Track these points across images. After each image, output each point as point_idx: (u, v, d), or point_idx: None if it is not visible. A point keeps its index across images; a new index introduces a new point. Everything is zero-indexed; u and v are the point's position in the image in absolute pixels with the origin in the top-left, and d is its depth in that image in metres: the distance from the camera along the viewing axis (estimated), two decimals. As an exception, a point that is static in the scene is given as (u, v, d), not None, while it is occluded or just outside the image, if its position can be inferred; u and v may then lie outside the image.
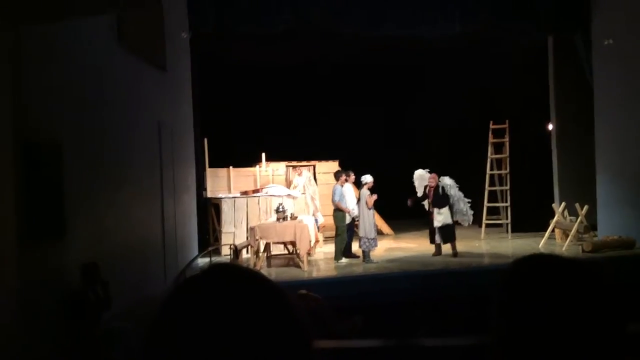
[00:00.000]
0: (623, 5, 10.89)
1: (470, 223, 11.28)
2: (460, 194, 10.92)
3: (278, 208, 10.40)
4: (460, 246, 10.87)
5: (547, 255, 1.06)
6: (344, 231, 10.41)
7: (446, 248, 10.57)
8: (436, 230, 10.50)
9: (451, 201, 10.67)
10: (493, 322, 1.02)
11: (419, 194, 11.01)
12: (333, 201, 10.43)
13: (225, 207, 11.79)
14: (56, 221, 5.44)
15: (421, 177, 11.12)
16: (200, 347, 0.75)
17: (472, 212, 11.02)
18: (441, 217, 10.45)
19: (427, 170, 11.07)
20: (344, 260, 10.31)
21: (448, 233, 10.53)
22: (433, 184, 10.61)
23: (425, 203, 10.85)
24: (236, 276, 0.83)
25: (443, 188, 10.59)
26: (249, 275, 0.84)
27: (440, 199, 10.49)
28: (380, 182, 10.68)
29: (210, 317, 0.77)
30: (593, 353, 0.94)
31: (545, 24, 11.98)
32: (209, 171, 12.68)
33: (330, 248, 10.93)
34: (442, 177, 10.89)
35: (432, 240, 10.70)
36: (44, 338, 5.11)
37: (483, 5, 11.49)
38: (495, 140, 13.28)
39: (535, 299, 0.97)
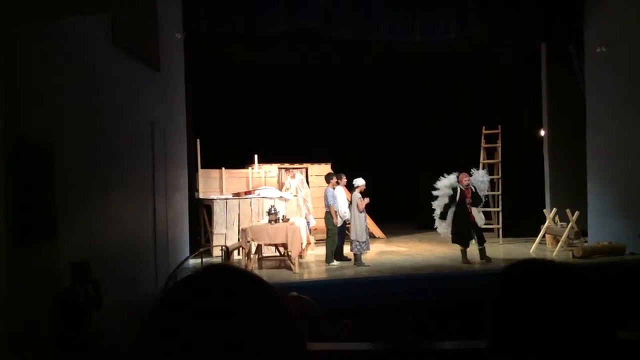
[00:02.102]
0: (616, 13, 10.96)
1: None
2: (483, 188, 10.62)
3: (270, 210, 10.39)
4: (452, 250, 10.89)
5: (540, 260, 1.06)
6: (335, 234, 10.41)
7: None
8: (473, 231, 10.21)
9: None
10: (486, 326, 1.02)
11: (442, 200, 10.55)
12: (327, 204, 10.41)
13: (217, 209, 11.77)
14: (47, 221, 5.41)
15: (451, 184, 10.47)
16: (193, 347, 0.75)
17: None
18: (480, 215, 10.35)
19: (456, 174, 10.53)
20: (335, 262, 10.31)
21: (482, 234, 10.37)
22: (467, 183, 10.24)
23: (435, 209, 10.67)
24: (231, 277, 0.83)
25: (474, 186, 10.38)
26: (244, 276, 0.84)
27: (476, 196, 10.28)
28: (371, 186, 10.68)
29: (204, 317, 0.77)
30: (585, 358, 0.94)
31: (538, 32, 12.05)
32: (201, 172, 12.66)
33: (322, 251, 10.92)
34: (472, 172, 10.68)
35: (466, 244, 10.27)
36: (34, 338, 5.08)
37: (478, 14, 11.53)
38: (487, 145, 13.34)
39: (529, 303, 0.98)
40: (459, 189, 10.22)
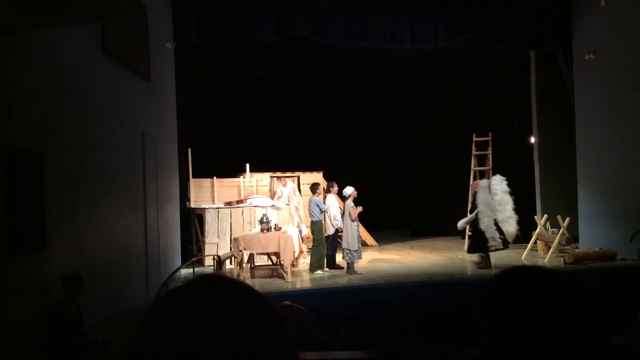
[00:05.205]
0: (604, 21, 11.06)
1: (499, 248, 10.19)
2: (506, 200, 10.31)
3: (262, 219, 10.36)
4: (443, 258, 10.89)
5: (530, 267, 1.07)
6: (321, 243, 10.34)
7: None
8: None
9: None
10: (478, 333, 1.02)
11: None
12: (313, 212, 10.31)
13: (209, 218, 11.73)
14: (37, 232, 5.37)
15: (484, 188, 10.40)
16: (185, 358, 0.75)
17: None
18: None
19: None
20: (319, 272, 10.21)
21: None
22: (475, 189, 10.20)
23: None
24: (222, 286, 0.83)
25: (475, 193, 10.34)
26: (235, 286, 0.83)
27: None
28: (363, 194, 10.67)
29: (196, 327, 0.76)
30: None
31: (527, 40, 12.13)
32: (193, 181, 12.63)
33: (314, 259, 10.89)
34: (492, 178, 10.55)
35: (485, 249, 10.13)
36: (25, 350, 5.03)
37: (467, 22, 11.61)
38: (478, 153, 13.39)
39: (520, 310, 0.98)
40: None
